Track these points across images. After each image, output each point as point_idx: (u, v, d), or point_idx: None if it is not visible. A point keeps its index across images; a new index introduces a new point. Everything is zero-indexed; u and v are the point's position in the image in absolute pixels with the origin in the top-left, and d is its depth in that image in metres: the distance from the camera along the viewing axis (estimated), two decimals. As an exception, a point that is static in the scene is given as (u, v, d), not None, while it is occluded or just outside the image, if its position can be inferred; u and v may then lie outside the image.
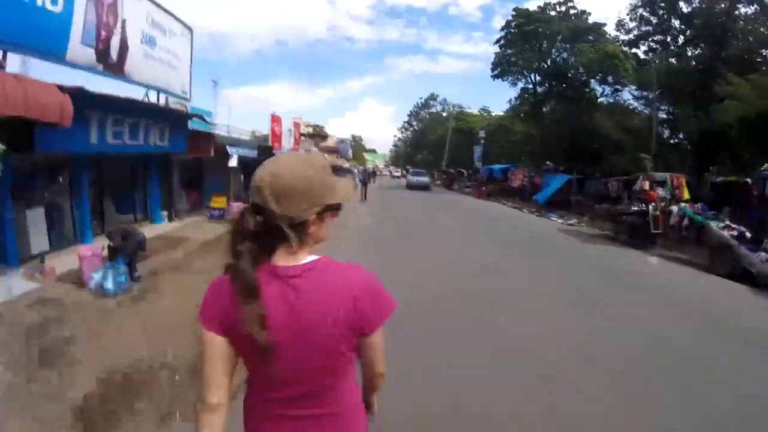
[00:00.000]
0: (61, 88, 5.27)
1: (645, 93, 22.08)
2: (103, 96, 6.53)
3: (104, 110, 6.90)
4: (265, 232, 0.94)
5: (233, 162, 12.39)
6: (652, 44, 22.41)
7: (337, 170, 27.82)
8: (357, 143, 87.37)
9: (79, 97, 5.98)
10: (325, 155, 47.08)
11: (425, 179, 30.14)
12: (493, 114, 47.95)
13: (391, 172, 65.79)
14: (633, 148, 21.70)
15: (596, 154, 22.51)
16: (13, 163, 5.98)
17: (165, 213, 10.73)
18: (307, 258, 0.99)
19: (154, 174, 10.20)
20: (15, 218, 6.29)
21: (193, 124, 12.72)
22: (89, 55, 7.44)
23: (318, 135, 48.36)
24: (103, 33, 7.72)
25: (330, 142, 53.10)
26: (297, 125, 26.20)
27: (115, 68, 8.16)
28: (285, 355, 0.94)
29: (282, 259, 0.97)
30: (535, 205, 18.03)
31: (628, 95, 25.12)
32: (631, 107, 24.65)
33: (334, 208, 1.02)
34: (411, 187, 29.19)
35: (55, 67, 6.93)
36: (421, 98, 68.95)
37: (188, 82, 11.24)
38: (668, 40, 21.40)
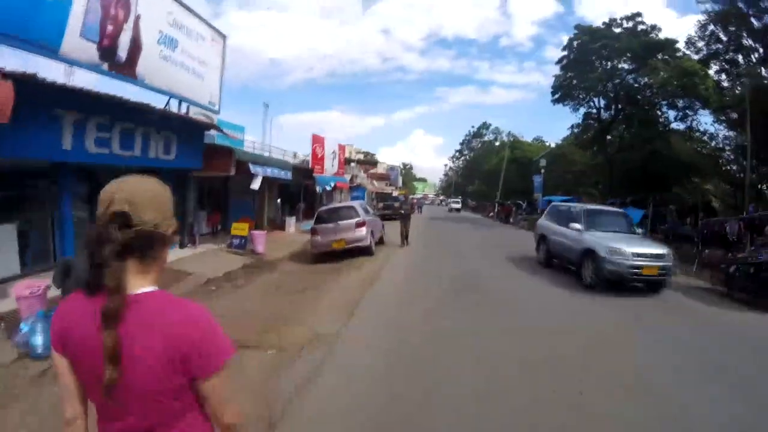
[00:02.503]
0: (2, 72, 4.04)
1: (724, 116, 20.09)
2: (74, 90, 5.26)
3: (84, 111, 5.68)
4: (125, 246, 0.88)
5: (256, 184, 10.91)
6: (724, 64, 20.62)
7: (386, 198, 25.50)
8: (407, 171, 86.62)
9: (38, 89, 4.78)
10: (374, 182, 46.33)
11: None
12: (547, 144, 45.30)
13: (445, 202, 58.19)
14: (713, 176, 20.16)
15: (671, 185, 20.75)
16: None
17: (177, 237, 9.51)
18: (143, 288, 0.91)
19: (168, 191, 9.02)
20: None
21: (220, 140, 11.73)
22: (90, 51, 6.42)
23: (368, 162, 47.74)
24: (110, 27, 6.72)
25: (380, 169, 52.40)
26: (342, 148, 25.18)
27: (123, 68, 7.15)
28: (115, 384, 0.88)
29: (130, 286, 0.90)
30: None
31: (707, 118, 22.86)
32: (712, 132, 22.32)
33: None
34: (553, 256, 9.64)
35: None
36: (473, 127, 67.27)
37: (217, 93, 10.22)
38: (740, 58, 19.60)
